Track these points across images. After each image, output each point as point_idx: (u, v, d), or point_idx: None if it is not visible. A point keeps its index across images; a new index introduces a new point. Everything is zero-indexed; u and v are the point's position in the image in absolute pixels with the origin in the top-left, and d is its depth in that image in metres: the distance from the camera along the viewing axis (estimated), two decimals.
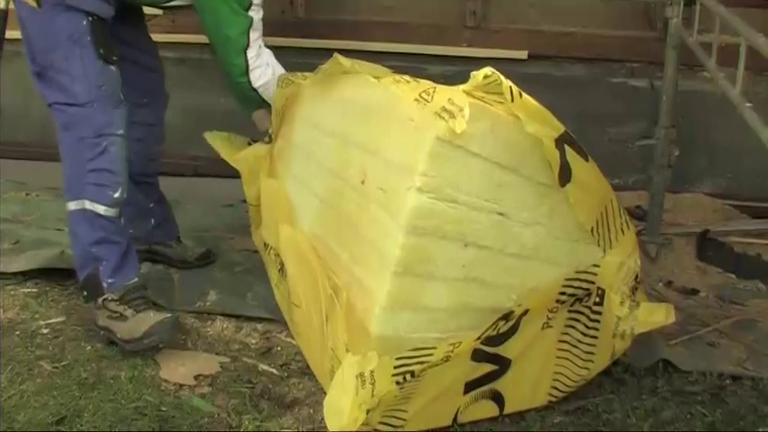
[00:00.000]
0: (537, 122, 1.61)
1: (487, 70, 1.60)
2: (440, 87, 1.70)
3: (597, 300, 1.83)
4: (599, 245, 1.79)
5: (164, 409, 1.91)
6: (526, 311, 1.75)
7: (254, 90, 2.35)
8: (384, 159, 1.75)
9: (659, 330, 2.03)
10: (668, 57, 2.57)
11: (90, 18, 2.12)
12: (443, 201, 1.61)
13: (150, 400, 1.94)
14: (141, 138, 2.43)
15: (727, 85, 1.94)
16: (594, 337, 1.86)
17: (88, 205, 2.14)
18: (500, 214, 1.67)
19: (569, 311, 1.84)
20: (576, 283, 1.79)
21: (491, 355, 1.78)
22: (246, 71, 2.30)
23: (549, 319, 1.82)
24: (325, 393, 1.94)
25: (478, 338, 1.71)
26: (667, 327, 1.99)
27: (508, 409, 1.87)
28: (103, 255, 2.16)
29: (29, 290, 2.50)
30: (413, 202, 1.60)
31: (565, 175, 1.67)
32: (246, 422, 1.86)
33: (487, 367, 1.79)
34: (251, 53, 2.28)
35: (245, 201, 2.63)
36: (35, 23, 2.13)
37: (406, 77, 1.85)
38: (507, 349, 1.79)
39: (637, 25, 3.23)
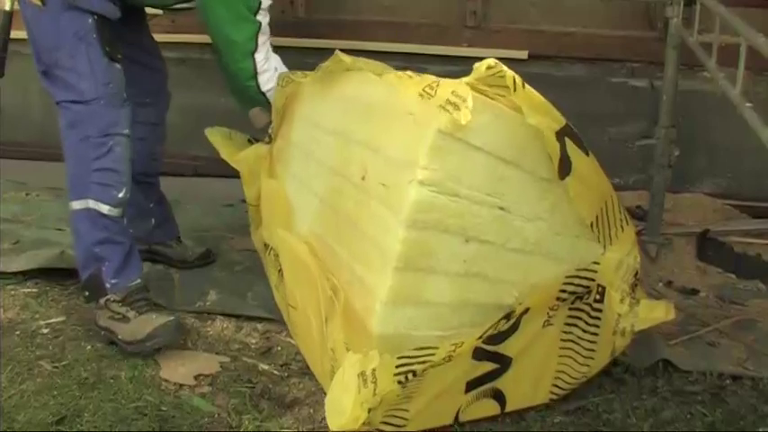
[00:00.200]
0: (539, 114, 1.60)
1: (491, 61, 1.59)
2: (443, 81, 1.69)
3: (597, 297, 1.83)
4: (599, 241, 1.79)
5: (164, 408, 1.91)
6: (527, 310, 1.75)
7: (263, 94, 2.35)
8: (385, 155, 1.75)
9: (659, 330, 2.03)
10: (668, 57, 2.58)
11: (95, 16, 2.13)
12: (445, 194, 1.61)
13: (150, 400, 1.94)
14: (144, 137, 2.43)
15: (727, 85, 1.94)
16: (595, 335, 1.86)
17: (92, 205, 2.14)
18: (501, 209, 1.67)
19: (570, 309, 1.84)
20: (577, 281, 1.79)
21: (492, 354, 1.78)
22: (255, 75, 2.30)
23: (549, 316, 1.82)
24: (325, 393, 1.95)
25: (480, 337, 1.71)
26: (667, 327, 2.00)
27: (509, 408, 1.86)
28: (106, 255, 2.16)
29: (29, 290, 2.50)
30: (414, 196, 1.59)
31: (564, 168, 1.66)
32: (246, 422, 1.86)
33: (488, 366, 1.79)
34: (259, 57, 2.28)
35: (245, 201, 2.63)
36: (40, 22, 2.13)
37: (409, 73, 1.85)
38: (508, 347, 1.79)
39: (637, 25, 3.23)
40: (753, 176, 3.17)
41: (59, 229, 2.93)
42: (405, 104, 1.73)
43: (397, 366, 1.62)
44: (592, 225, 1.77)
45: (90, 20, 2.12)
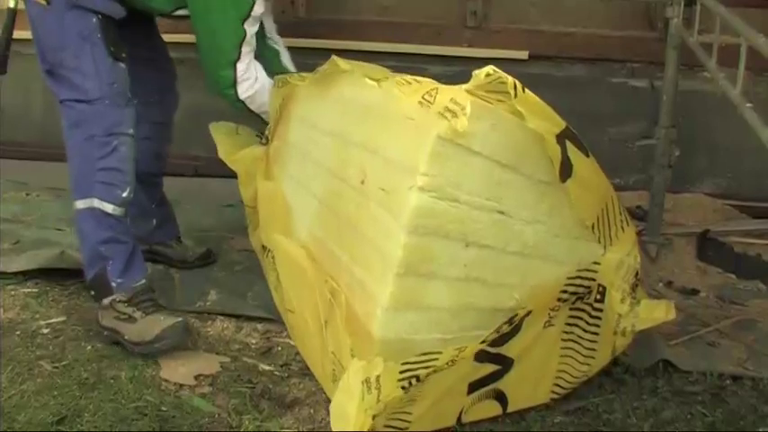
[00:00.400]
0: (539, 118, 1.61)
1: (489, 69, 1.60)
2: (442, 87, 1.69)
3: (598, 297, 1.83)
4: (599, 242, 1.79)
5: (164, 409, 1.91)
6: (529, 312, 1.75)
7: (241, 101, 2.34)
8: (384, 159, 1.75)
9: (659, 330, 2.03)
10: (669, 57, 2.58)
11: (99, 16, 2.13)
12: (445, 200, 1.61)
13: (150, 400, 1.94)
14: (149, 136, 2.43)
15: (727, 85, 1.94)
16: (596, 334, 1.86)
17: (97, 204, 2.14)
18: (501, 213, 1.67)
19: (570, 309, 1.84)
20: (578, 281, 1.80)
21: (494, 356, 1.78)
22: (234, 84, 2.28)
23: (550, 317, 1.82)
24: (325, 394, 1.95)
25: (483, 342, 1.71)
26: (667, 327, 2.00)
27: (511, 408, 1.87)
28: (111, 254, 2.16)
29: (29, 290, 2.50)
30: (415, 202, 1.60)
31: (566, 171, 1.67)
32: (247, 422, 1.86)
33: (490, 367, 1.79)
34: (240, 66, 2.27)
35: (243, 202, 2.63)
36: (45, 21, 2.14)
37: (407, 78, 1.85)
38: (510, 349, 1.79)
39: (637, 25, 3.23)
40: (753, 176, 3.18)
41: (59, 230, 2.93)
42: (403, 108, 1.73)
43: (400, 372, 1.62)
44: (593, 226, 1.77)
45: (94, 19, 2.12)
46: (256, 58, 2.37)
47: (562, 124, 1.64)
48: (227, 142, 2.50)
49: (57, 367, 2.08)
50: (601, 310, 1.84)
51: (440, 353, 1.65)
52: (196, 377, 2.04)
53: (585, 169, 1.70)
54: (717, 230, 2.86)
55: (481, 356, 1.75)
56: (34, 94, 3.56)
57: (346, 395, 1.61)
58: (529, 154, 1.66)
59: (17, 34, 2.20)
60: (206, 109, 2.49)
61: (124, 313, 2.15)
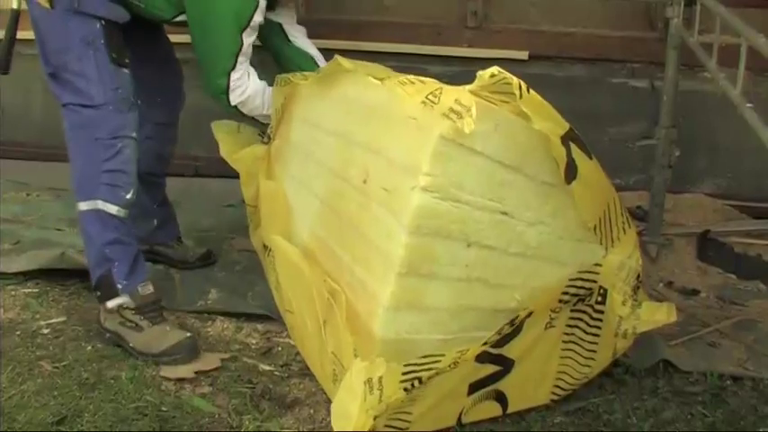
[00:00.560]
0: (544, 119, 1.60)
1: (494, 69, 1.59)
2: (446, 88, 1.69)
3: (599, 299, 1.83)
4: (601, 243, 1.79)
5: (164, 409, 1.91)
6: (530, 313, 1.75)
7: (233, 107, 2.35)
8: (387, 159, 1.75)
9: (660, 331, 2.03)
10: (669, 57, 2.58)
11: (103, 22, 2.13)
12: (447, 200, 1.61)
13: (151, 401, 1.94)
14: (151, 136, 2.43)
15: (727, 85, 1.94)
16: (597, 336, 1.86)
17: (101, 205, 2.14)
18: (503, 213, 1.67)
19: (572, 311, 1.84)
20: (579, 283, 1.79)
21: (495, 356, 1.78)
22: (227, 90, 2.30)
23: (551, 318, 1.82)
24: (325, 395, 1.95)
25: (486, 344, 1.71)
26: (668, 327, 2.00)
27: (511, 409, 1.87)
28: (116, 256, 2.16)
29: (29, 290, 2.50)
30: (417, 202, 1.59)
31: (571, 173, 1.66)
32: (247, 422, 1.86)
33: (491, 368, 1.79)
34: (235, 75, 2.28)
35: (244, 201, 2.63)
36: (48, 24, 2.13)
37: (411, 78, 1.84)
38: (511, 350, 1.79)
39: (637, 25, 3.23)
40: (753, 177, 3.18)
41: (60, 230, 2.93)
42: (406, 108, 1.72)
43: (403, 374, 1.62)
44: (595, 228, 1.77)
45: (98, 25, 2.12)
46: (285, 66, 2.42)
47: (566, 126, 1.64)
48: (228, 141, 2.50)
49: (57, 367, 2.08)
50: (602, 312, 1.84)
51: (442, 355, 1.65)
52: (196, 373, 2.04)
53: (589, 171, 1.70)
54: (717, 231, 2.86)
55: (482, 357, 1.75)
56: (34, 94, 3.56)
57: (348, 395, 1.61)
58: (532, 155, 1.66)
59: (19, 35, 2.20)
60: (206, 109, 2.49)
61: (131, 321, 2.15)
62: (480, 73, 1.61)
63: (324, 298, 1.83)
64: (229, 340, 2.24)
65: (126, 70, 2.18)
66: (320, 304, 1.86)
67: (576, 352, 1.88)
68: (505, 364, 1.81)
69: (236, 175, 2.52)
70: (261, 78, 2.36)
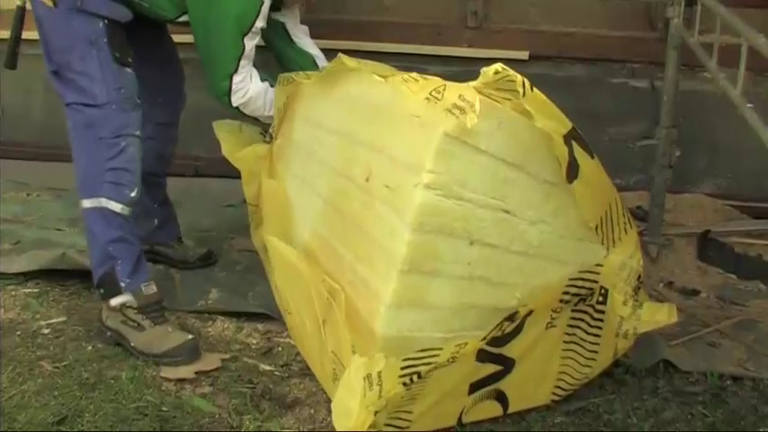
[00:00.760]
0: (546, 118, 1.60)
1: (498, 66, 1.59)
2: (450, 84, 1.69)
3: (600, 299, 1.83)
4: (602, 243, 1.79)
5: (165, 409, 1.91)
6: (530, 312, 1.75)
7: (235, 108, 2.35)
8: (390, 157, 1.74)
9: (660, 331, 2.03)
10: (669, 57, 2.58)
11: (105, 21, 2.13)
12: (450, 198, 1.60)
13: (151, 401, 1.94)
14: (152, 136, 2.43)
15: (727, 85, 1.94)
16: (597, 336, 1.86)
17: (105, 203, 2.14)
18: (506, 212, 1.67)
19: (573, 311, 1.84)
20: (580, 283, 1.79)
21: (495, 356, 1.78)
22: (229, 93, 2.30)
23: (552, 318, 1.82)
24: (326, 394, 1.95)
25: (484, 339, 1.71)
26: (668, 327, 2.00)
27: (512, 409, 1.87)
28: (120, 254, 2.16)
29: (30, 290, 2.50)
30: (420, 199, 1.59)
31: (572, 172, 1.66)
32: (247, 422, 1.86)
33: (492, 368, 1.79)
34: (237, 78, 2.28)
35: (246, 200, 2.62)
36: (52, 22, 2.14)
37: (415, 75, 1.84)
38: (511, 349, 1.79)
39: (637, 25, 3.23)
40: (753, 177, 3.18)
41: (60, 230, 2.93)
42: (411, 107, 1.72)
43: (402, 368, 1.62)
44: (596, 228, 1.77)
45: (101, 24, 2.13)
46: (287, 66, 2.43)
47: (569, 125, 1.64)
48: (230, 140, 2.49)
49: (57, 367, 2.08)
50: (603, 312, 1.84)
51: (440, 349, 1.65)
52: (197, 373, 2.04)
53: (591, 170, 1.70)
54: (717, 231, 2.87)
55: (483, 357, 1.75)
56: (34, 94, 3.56)
57: (348, 392, 1.61)
58: (535, 153, 1.66)
59: (22, 33, 2.21)
60: (207, 109, 2.49)
61: (133, 320, 2.15)
62: (484, 70, 1.61)
63: (323, 297, 1.83)
64: (230, 340, 2.24)
65: (129, 69, 2.18)
66: (319, 304, 1.86)
67: (576, 352, 1.88)
68: (506, 364, 1.81)
69: (236, 176, 2.52)
70: (263, 78, 2.37)
